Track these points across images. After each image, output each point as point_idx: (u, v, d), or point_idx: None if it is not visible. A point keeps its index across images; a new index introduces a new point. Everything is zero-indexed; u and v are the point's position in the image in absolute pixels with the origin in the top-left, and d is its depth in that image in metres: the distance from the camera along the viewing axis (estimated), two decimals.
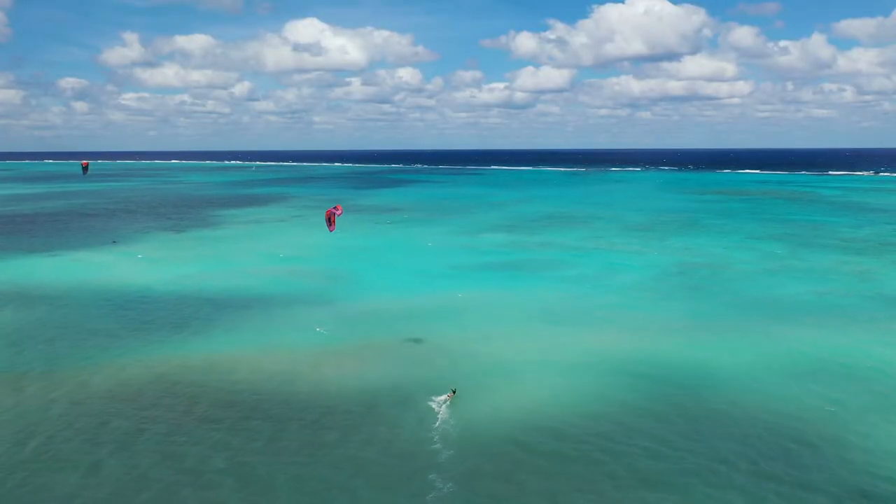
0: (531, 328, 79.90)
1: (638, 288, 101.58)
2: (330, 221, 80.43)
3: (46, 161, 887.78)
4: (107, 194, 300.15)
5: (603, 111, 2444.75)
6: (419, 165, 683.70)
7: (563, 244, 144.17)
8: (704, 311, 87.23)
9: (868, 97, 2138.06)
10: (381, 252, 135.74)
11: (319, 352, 71.30)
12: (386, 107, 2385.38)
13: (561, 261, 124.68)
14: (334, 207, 80.00)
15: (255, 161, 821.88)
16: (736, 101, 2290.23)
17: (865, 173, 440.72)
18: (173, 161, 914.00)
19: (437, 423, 53.17)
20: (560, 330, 79.02)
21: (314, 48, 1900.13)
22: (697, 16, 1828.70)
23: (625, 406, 56.92)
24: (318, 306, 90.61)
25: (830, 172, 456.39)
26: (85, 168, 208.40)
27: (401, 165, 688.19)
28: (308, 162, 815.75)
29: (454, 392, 58.48)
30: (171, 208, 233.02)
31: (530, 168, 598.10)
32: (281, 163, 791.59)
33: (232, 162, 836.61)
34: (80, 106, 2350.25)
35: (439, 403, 56.96)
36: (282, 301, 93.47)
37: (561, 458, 48.09)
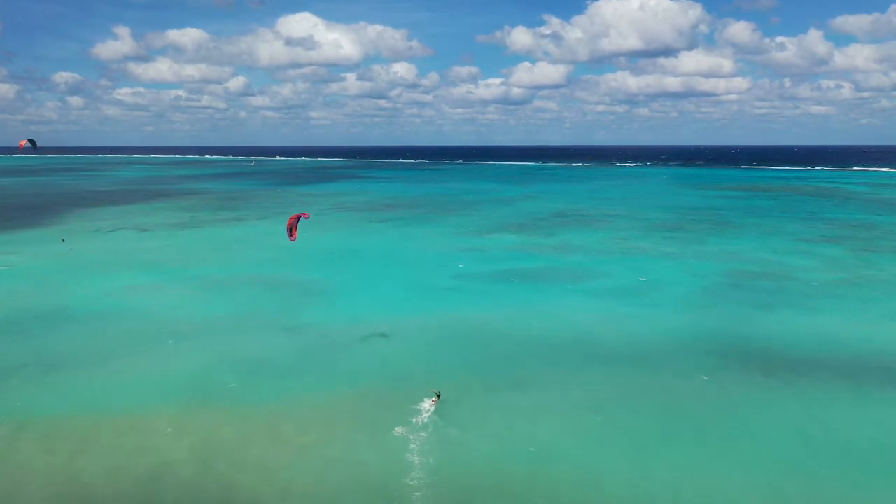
0: (563, 368, 58.72)
1: (691, 306, 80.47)
2: (291, 230, 64.42)
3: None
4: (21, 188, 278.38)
5: (600, 107, 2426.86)
6: (417, 160, 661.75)
7: (584, 247, 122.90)
8: (789, 342, 66.14)
9: (866, 94, 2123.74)
10: (370, 258, 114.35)
11: (271, 410, 49.97)
12: (382, 102, 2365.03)
13: (586, 268, 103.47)
14: (301, 214, 65.31)
15: (246, 157, 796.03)
16: (734, 97, 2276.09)
17: (885, 169, 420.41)
18: (153, 155, 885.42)
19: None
20: (602, 372, 57.86)
21: (307, 43, 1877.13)
22: (694, 11, 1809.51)
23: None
24: (280, 333, 69.32)
25: (820, 168, 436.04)
26: (29, 144, 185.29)
27: (399, 160, 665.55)
28: (305, 157, 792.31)
29: (438, 396, 50.15)
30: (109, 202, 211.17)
31: (532, 163, 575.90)
32: (278, 157, 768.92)
33: (213, 156, 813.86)
34: (74, 101, 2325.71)
35: (425, 410, 48.69)
36: (232, 324, 72.11)
37: None
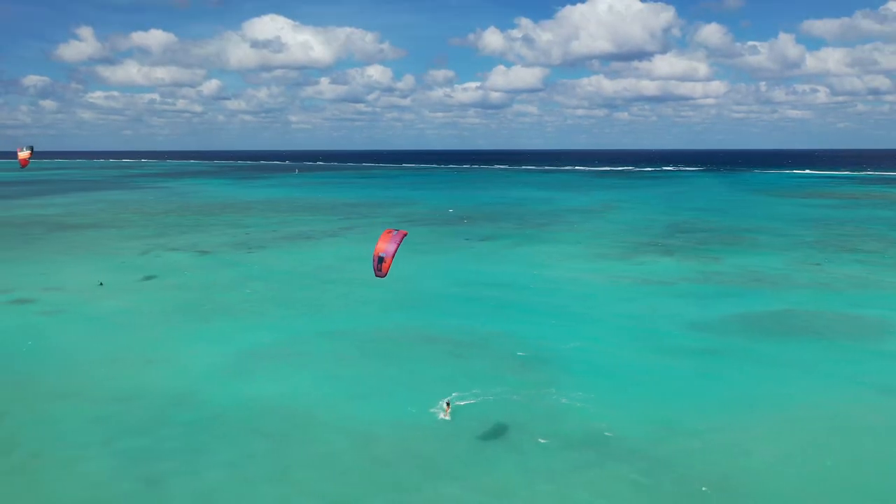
0: None
1: None
2: (381, 263, 39.49)
3: None
4: None
5: (580, 111, 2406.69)
6: (422, 165, 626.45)
7: (772, 275, 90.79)
8: None
9: (841, 98, 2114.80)
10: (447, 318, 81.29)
11: None
12: (360, 106, 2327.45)
13: (839, 314, 71.05)
14: (388, 232, 40.10)
15: (223, 161, 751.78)
16: (711, 101, 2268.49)
17: None
18: (125, 160, 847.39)
19: None
20: None
21: (275, 45, 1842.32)
22: (665, 13, 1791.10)
23: None
24: None
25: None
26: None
27: (405, 165, 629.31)
28: (290, 160, 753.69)
29: (449, 406, 43.92)
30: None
31: (561, 168, 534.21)
32: (262, 161, 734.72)
33: (184, 161, 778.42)
34: (47, 104, 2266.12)
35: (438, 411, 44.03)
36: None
37: None
